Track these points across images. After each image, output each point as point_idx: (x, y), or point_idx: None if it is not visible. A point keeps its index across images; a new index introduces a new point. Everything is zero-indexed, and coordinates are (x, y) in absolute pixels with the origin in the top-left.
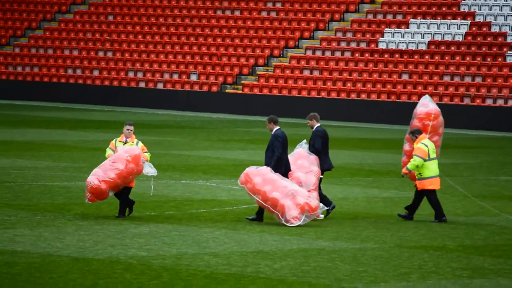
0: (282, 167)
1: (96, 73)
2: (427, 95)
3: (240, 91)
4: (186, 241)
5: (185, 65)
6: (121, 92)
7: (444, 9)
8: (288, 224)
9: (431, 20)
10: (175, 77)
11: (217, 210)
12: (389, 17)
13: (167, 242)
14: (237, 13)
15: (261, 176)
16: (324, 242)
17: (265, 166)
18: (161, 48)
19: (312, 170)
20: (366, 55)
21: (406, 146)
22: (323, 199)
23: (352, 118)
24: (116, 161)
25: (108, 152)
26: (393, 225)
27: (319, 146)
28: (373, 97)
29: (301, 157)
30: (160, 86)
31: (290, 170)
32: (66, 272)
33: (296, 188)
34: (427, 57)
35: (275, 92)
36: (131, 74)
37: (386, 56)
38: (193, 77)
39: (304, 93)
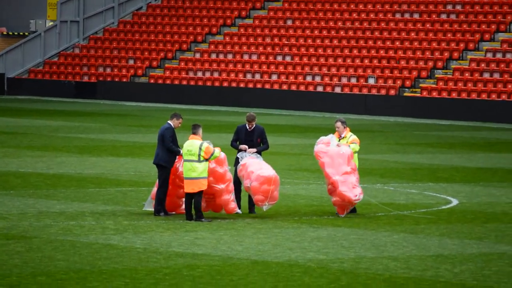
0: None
1: (274, 77)
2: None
3: (418, 95)
4: (364, 244)
5: (363, 69)
6: (298, 96)
7: None
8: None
9: None
10: (353, 81)
11: (395, 214)
12: None
13: (345, 246)
14: (416, 16)
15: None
16: (505, 246)
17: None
18: (339, 52)
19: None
20: None
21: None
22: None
23: None
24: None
25: None
26: None
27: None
28: None
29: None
30: (337, 90)
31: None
32: (246, 274)
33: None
34: None
35: (454, 95)
36: (309, 78)
37: None
38: (371, 81)
39: (484, 96)
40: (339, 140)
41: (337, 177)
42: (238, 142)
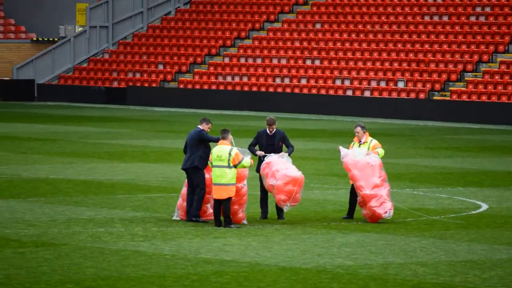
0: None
1: (303, 81)
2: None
3: (448, 98)
4: (393, 250)
5: (392, 72)
6: (328, 100)
7: None
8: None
9: None
10: (382, 84)
11: (424, 219)
12: None
13: (374, 251)
14: (445, 18)
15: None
16: None
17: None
18: (368, 55)
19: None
20: None
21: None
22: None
23: None
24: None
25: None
26: None
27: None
28: None
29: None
30: (367, 94)
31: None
32: (274, 281)
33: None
34: None
35: (484, 98)
36: (338, 82)
37: None
38: (401, 84)
39: None
40: (359, 145)
41: (368, 191)
42: (257, 147)
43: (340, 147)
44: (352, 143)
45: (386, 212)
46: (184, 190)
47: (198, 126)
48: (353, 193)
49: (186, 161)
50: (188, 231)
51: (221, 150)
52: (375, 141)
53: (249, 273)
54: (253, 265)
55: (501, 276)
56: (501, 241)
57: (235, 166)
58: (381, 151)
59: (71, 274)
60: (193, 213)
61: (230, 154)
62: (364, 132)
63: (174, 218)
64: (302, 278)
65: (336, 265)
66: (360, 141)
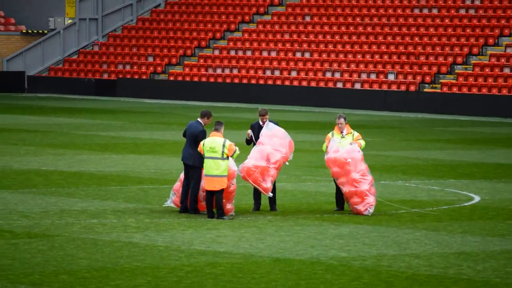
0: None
1: (293, 74)
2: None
3: (438, 90)
4: (386, 242)
5: (383, 65)
6: (318, 92)
7: None
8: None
9: None
10: (373, 77)
11: (417, 211)
12: None
13: (367, 243)
14: (434, 11)
15: None
16: None
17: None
18: (358, 48)
19: (280, 150)
20: None
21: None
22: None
23: None
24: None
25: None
26: None
27: None
28: None
29: (275, 135)
30: (357, 86)
31: None
32: (268, 272)
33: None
34: None
35: (474, 90)
36: (328, 75)
37: None
38: (391, 77)
39: (504, 91)
40: (342, 136)
41: (347, 189)
42: (253, 140)
43: (331, 140)
44: (331, 133)
45: (366, 210)
46: (183, 175)
47: (198, 120)
48: (338, 186)
49: (187, 156)
50: (181, 222)
51: (214, 142)
52: (357, 133)
53: (243, 265)
54: (247, 257)
55: (495, 268)
56: (494, 233)
57: (228, 158)
58: (363, 142)
59: (64, 265)
60: (191, 206)
61: (224, 145)
62: (346, 124)
63: (168, 203)
64: (296, 270)
65: (329, 257)
66: (342, 132)
